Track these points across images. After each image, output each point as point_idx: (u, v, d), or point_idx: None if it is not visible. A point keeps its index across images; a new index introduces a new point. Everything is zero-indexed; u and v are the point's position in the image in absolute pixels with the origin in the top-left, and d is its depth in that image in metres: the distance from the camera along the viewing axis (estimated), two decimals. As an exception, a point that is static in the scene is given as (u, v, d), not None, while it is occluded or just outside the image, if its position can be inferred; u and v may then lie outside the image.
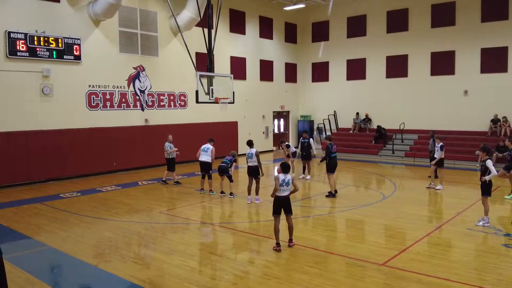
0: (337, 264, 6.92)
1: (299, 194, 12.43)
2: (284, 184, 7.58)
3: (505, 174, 12.06)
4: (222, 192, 12.30)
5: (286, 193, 7.63)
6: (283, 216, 7.71)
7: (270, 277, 6.40)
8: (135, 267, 6.91)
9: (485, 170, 9.02)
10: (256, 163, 11.46)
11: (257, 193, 11.51)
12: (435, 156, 13.13)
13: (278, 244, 7.59)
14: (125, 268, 6.83)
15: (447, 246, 7.91)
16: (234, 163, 12.23)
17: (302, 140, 15.08)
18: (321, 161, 12.55)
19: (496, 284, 6.02)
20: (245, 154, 11.95)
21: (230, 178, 12.11)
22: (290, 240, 7.78)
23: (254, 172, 11.51)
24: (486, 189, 9.04)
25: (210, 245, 8.22)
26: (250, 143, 11.96)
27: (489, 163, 8.96)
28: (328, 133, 24.31)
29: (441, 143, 13.03)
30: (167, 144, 14.13)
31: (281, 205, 7.62)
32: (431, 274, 6.38)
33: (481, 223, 8.98)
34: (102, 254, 7.61)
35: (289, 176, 7.69)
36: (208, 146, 12.64)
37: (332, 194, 11.97)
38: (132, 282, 6.28)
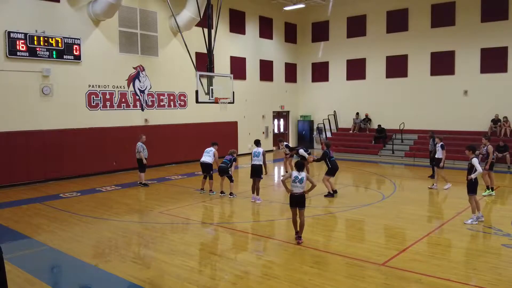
0: (337, 264, 6.92)
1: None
2: (297, 180, 7.87)
3: (487, 172, 12.16)
4: (222, 192, 12.29)
5: (299, 190, 7.88)
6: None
7: (270, 277, 6.40)
8: (135, 267, 6.91)
9: (471, 169, 9.15)
10: (261, 162, 11.59)
11: (257, 193, 11.52)
12: (437, 156, 13.08)
13: (297, 232, 8.02)
14: (125, 268, 6.83)
15: (447, 246, 7.90)
16: (234, 163, 12.23)
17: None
18: (313, 160, 12.93)
19: (496, 284, 6.02)
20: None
21: (230, 178, 12.12)
22: (299, 237, 7.98)
23: (257, 171, 11.56)
24: (472, 187, 9.13)
25: (210, 245, 8.21)
26: (257, 142, 12.23)
27: (475, 161, 9.09)
28: (328, 133, 24.33)
29: (442, 143, 13.05)
30: (139, 144, 13.60)
31: (295, 201, 7.91)
32: (431, 274, 6.38)
33: (472, 220, 9.04)
34: (102, 254, 7.61)
35: (302, 174, 7.95)
36: (211, 148, 12.62)
37: (330, 194, 12.01)
38: (132, 282, 6.28)
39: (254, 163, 11.62)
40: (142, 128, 17.23)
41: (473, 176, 9.03)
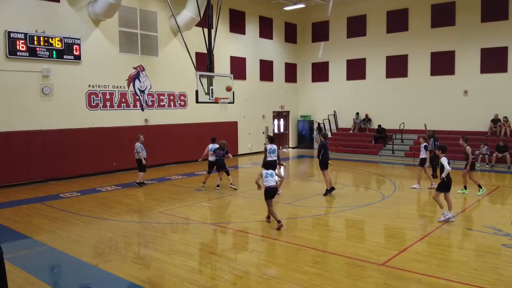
0: (337, 264, 6.92)
1: (299, 195, 12.47)
2: (268, 176, 8.98)
3: (467, 173, 12.25)
4: (218, 186, 13.12)
5: (272, 183, 8.97)
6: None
7: (270, 277, 6.40)
8: (135, 267, 6.91)
9: (442, 168, 9.34)
10: (275, 158, 12.07)
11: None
12: (421, 156, 13.32)
13: (279, 221, 8.89)
14: (125, 268, 6.83)
15: (447, 246, 7.90)
16: (227, 155, 13.10)
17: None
18: (325, 159, 12.19)
19: (496, 284, 6.02)
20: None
21: (227, 172, 13.10)
22: (268, 216, 9.15)
23: (273, 167, 11.70)
24: (445, 186, 9.31)
25: (210, 245, 8.21)
26: (272, 139, 12.52)
27: (444, 160, 9.31)
28: (328, 133, 24.30)
29: (425, 143, 13.28)
30: (138, 144, 13.60)
31: (271, 193, 8.96)
32: (431, 274, 6.38)
33: (446, 217, 9.22)
34: (102, 254, 7.61)
35: (271, 170, 9.09)
36: (216, 145, 13.30)
37: (328, 191, 12.04)
38: (132, 282, 6.28)
39: (269, 159, 11.89)
40: (142, 128, 17.24)
41: (443, 175, 9.25)
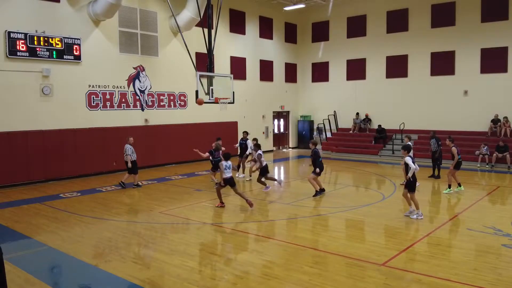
0: (337, 264, 6.92)
1: (299, 195, 12.47)
2: (227, 167, 10.42)
3: (452, 172, 12.41)
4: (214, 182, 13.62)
5: (229, 174, 10.46)
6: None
7: (270, 277, 6.40)
8: (135, 267, 6.91)
9: (407, 167, 9.51)
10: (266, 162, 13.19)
11: (280, 183, 13.53)
12: None
13: (222, 202, 10.82)
14: (125, 268, 6.83)
15: (447, 246, 7.90)
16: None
17: (241, 142, 15.44)
18: (310, 165, 12.72)
19: (496, 284, 6.02)
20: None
21: None
22: (247, 200, 10.52)
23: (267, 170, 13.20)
24: (412, 185, 9.48)
25: (210, 245, 8.21)
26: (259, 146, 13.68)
27: (408, 159, 9.46)
28: (328, 133, 24.33)
29: (409, 143, 13.39)
30: (128, 146, 13.43)
31: (228, 183, 10.43)
32: (431, 274, 6.38)
33: (414, 216, 9.51)
34: (102, 254, 7.61)
35: (229, 163, 10.55)
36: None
37: (318, 193, 12.00)
38: (132, 282, 6.28)
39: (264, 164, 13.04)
40: (142, 128, 17.24)
41: (409, 175, 9.40)
